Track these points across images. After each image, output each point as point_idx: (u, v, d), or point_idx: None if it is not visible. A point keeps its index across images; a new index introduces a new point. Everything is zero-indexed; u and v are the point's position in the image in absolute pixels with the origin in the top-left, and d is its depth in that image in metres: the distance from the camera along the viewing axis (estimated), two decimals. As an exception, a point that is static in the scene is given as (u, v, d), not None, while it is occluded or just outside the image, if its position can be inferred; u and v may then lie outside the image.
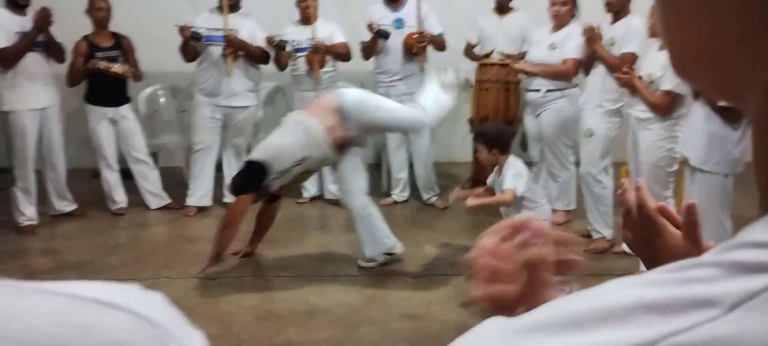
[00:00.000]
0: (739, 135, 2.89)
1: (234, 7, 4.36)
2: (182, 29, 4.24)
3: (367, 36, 4.37)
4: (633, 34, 3.56)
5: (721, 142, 2.91)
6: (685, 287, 0.29)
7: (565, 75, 3.97)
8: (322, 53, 4.32)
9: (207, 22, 4.36)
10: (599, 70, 3.71)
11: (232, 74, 4.32)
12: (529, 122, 4.25)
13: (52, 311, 0.36)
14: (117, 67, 4.21)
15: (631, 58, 3.52)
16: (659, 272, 0.31)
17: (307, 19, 4.37)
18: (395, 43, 4.38)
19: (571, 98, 4.01)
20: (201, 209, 4.49)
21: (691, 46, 0.36)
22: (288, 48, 4.37)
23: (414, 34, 4.32)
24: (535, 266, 0.57)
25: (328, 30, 4.40)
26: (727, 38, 0.33)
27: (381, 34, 4.31)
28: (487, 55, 4.52)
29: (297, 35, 4.41)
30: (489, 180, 3.09)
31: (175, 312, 0.41)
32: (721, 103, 2.83)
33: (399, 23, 4.38)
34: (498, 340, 0.33)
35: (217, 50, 4.33)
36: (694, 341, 0.27)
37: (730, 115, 2.86)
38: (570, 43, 3.91)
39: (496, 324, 0.35)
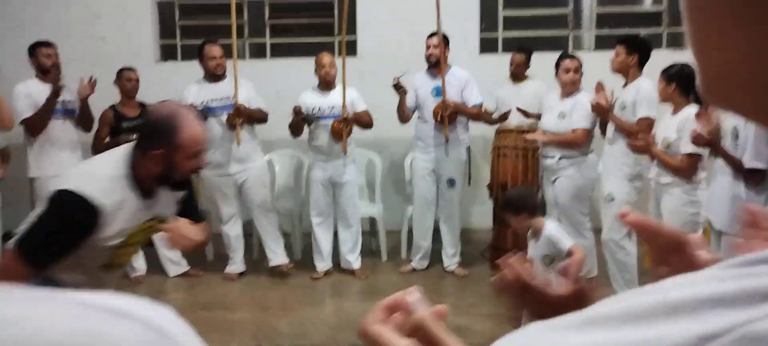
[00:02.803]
0: (764, 199, 2.82)
1: (222, 76, 4.25)
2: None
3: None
4: (643, 98, 3.49)
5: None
6: (754, 280, 0.28)
7: (574, 144, 3.91)
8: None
9: (198, 94, 4.25)
10: (617, 134, 3.66)
11: (241, 142, 4.22)
12: (547, 188, 4.19)
13: (62, 319, 0.36)
14: None
15: (649, 124, 3.47)
16: (717, 269, 0.30)
17: (327, 84, 4.28)
18: (431, 110, 4.31)
19: (584, 167, 3.93)
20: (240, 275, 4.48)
21: (728, 69, 0.34)
22: (311, 116, 4.28)
23: (442, 102, 4.22)
24: (421, 329, 0.56)
25: (350, 97, 4.28)
26: None
27: (397, 89, 4.26)
28: (505, 116, 4.50)
29: (316, 101, 4.31)
30: (530, 250, 2.89)
31: (184, 325, 0.41)
32: (747, 167, 2.79)
33: (437, 91, 4.28)
34: (547, 334, 0.32)
35: (217, 122, 4.22)
36: None
37: (753, 179, 2.81)
38: (578, 112, 3.86)
39: (542, 323, 0.34)
